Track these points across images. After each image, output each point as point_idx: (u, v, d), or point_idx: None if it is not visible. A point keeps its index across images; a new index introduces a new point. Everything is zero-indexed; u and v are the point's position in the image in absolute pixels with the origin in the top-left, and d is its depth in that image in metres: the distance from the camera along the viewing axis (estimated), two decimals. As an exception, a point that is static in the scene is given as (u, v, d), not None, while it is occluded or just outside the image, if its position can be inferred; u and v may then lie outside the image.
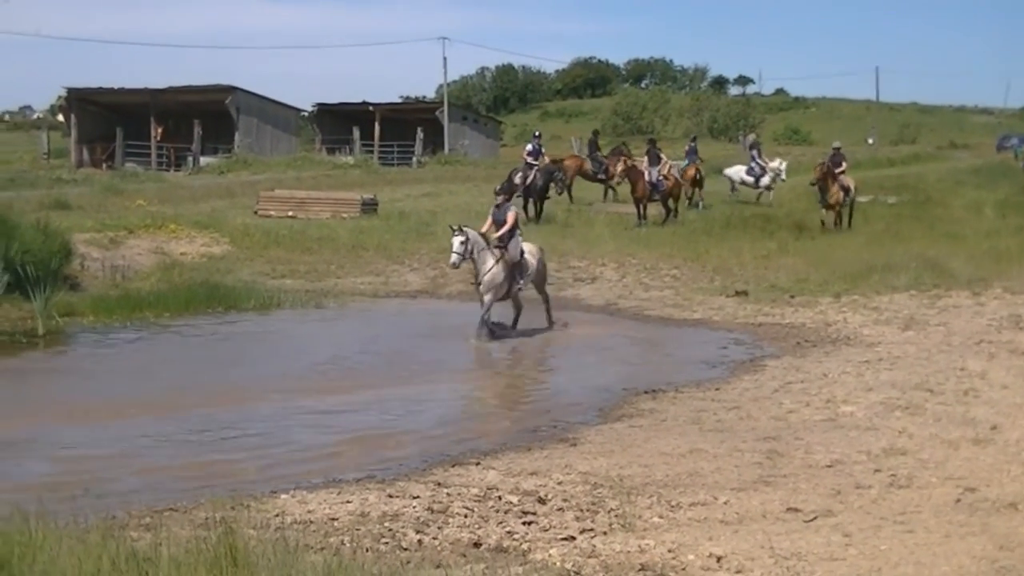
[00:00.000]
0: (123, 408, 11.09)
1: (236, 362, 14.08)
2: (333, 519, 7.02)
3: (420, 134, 53.85)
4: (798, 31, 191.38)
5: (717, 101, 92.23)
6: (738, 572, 5.89)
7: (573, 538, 6.56)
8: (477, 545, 6.47)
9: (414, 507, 7.28)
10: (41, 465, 9.07)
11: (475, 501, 7.45)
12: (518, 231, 15.81)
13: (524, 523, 6.93)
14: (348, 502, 7.43)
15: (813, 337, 14.78)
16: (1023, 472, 7.85)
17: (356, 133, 54.38)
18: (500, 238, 15.45)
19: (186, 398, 11.59)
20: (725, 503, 7.28)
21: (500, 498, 7.53)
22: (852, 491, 7.51)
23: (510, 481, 8.02)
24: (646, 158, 27.28)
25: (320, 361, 13.82)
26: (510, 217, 15.61)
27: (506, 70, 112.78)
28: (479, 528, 6.83)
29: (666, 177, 26.89)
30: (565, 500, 7.45)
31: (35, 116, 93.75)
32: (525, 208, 26.34)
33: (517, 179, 26.83)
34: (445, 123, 56.67)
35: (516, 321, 15.80)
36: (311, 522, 6.94)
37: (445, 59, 63.08)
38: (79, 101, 52.36)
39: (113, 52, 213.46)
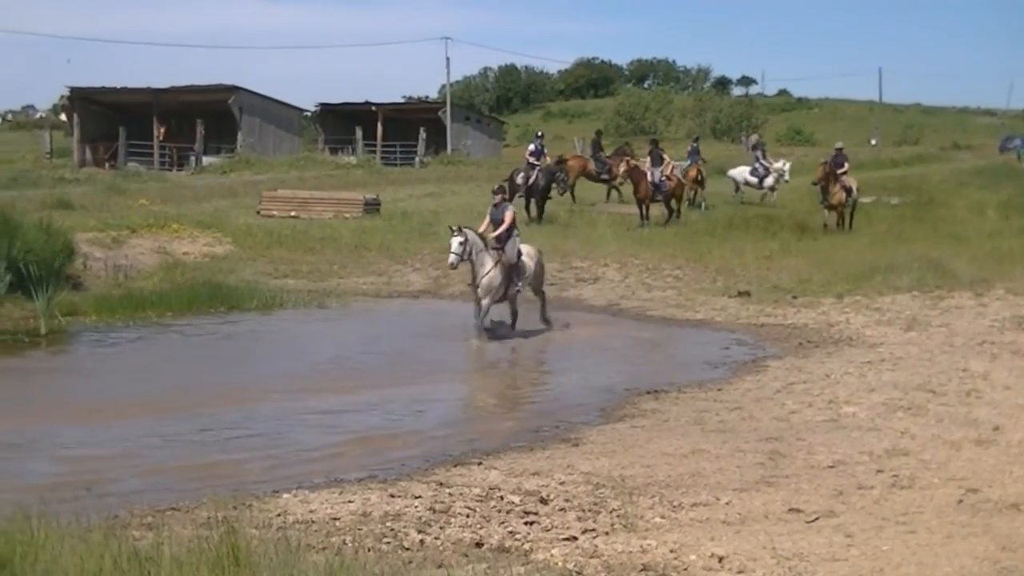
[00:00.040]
0: (125, 408, 11.10)
1: (238, 362, 14.10)
2: (335, 519, 7.02)
3: (423, 134, 53.80)
4: (801, 32, 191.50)
5: (720, 102, 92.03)
6: (740, 572, 5.89)
7: (575, 538, 6.56)
8: (479, 545, 6.47)
9: (416, 507, 7.28)
10: (43, 464, 9.08)
11: (477, 501, 7.46)
12: (515, 231, 15.76)
13: (526, 523, 6.93)
14: (350, 502, 7.44)
15: (815, 338, 14.78)
16: (1025, 473, 7.85)
17: (359, 133, 54.33)
18: (498, 238, 15.41)
19: (188, 398, 11.58)
20: (727, 503, 7.29)
21: (502, 498, 7.53)
22: (854, 492, 7.51)
23: (512, 481, 8.02)
24: (649, 159, 27.22)
25: (322, 361, 13.82)
26: (507, 216, 15.53)
27: (509, 70, 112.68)
28: (481, 528, 6.83)
29: (669, 178, 26.87)
30: (567, 500, 7.45)
31: (38, 115, 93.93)
32: (527, 208, 26.33)
33: (519, 179, 26.78)
34: (448, 123, 56.64)
35: (514, 324, 15.77)
36: (313, 522, 6.94)
37: (448, 59, 63.13)
38: (82, 100, 52.34)
39: (116, 52, 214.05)
